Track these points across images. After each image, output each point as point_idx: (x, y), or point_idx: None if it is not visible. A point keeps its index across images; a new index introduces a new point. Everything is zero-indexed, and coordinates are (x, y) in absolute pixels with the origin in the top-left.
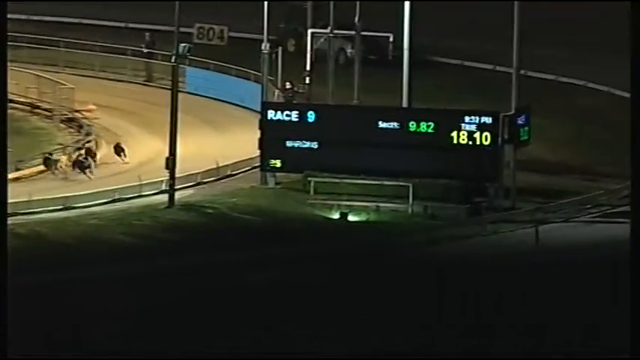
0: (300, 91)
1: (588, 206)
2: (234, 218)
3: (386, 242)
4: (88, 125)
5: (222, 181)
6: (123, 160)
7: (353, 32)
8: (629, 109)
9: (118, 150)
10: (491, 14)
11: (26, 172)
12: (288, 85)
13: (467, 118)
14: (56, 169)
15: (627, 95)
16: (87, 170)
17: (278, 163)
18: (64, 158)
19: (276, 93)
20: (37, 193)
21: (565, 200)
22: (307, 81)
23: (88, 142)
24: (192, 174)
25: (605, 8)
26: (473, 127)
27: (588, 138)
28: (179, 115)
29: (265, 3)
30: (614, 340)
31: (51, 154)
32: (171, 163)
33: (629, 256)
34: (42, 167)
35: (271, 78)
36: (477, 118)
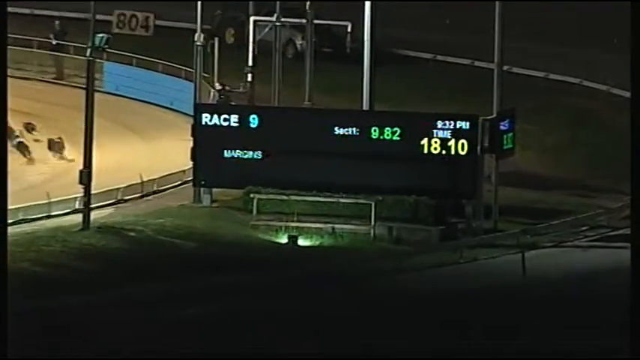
0: (241, 90)
1: (584, 228)
2: (162, 243)
3: (342, 271)
4: None
5: (148, 198)
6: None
7: (304, 20)
8: (630, 111)
9: (29, 128)
10: (469, 1)
11: None
12: (218, 86)
13: (440, 123)
14: (29, 153)
15: (629, 95)
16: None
17: (214, 177)
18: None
19: (211, 93)
20: None
21: (557, 221)
22: (249, 78)
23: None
24: (111, 190)
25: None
26: (447, 134)
27: (584, 146)
28: (96, 119)
29: None
30: None
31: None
32: (86, 177)
33: (630, 254)
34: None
35: (206, 75)
36: (452, 122)
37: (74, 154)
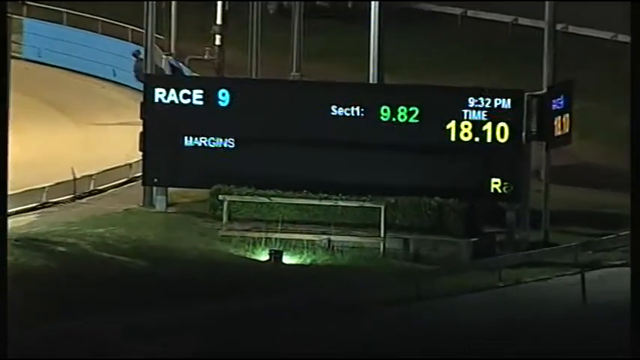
0: (206, 57)
1: None
2: (101, 261)
3: (341, 299)
4: None
5: (82, 200)
6: None
7: None
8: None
9: None
10: None
11: None
12: (164, 56)
13: (472, 101)
14: None
15: None
16: None
17: (171, 173)
18: None
19: (163, 60)
20: None
21: (628, 231)
22: (217, 41)
23: None
24: (33, 190)
25: None
26: (481, 115)
27: None
28: (12, 95)
29: None
30: None
31: None
32: None
33: (630, 255)
34: None
35: (160, 36)
36: (489, 100)
37: None
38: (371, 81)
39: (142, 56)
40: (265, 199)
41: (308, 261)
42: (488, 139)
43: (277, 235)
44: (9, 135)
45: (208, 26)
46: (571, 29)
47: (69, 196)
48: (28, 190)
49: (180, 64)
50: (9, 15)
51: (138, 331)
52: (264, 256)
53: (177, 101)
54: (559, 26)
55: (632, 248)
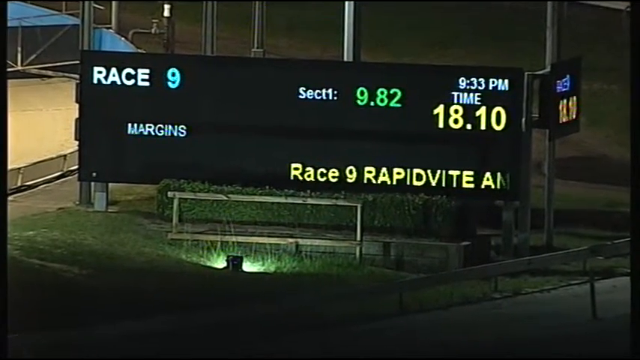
0: (153, 31)
1: None
2: (32, 269)
3: (309, 312)
4: None
5: (9, 198)
6: None
7: None
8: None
9: None
10: None
11: None
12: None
13: (463, 82)
14: None
15: None
16: None
17: (112, 166)
18: None
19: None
20: None
21: None
22: (166, 12)
23: None
24: None
25: None
26: (474, 99)
27: None
28: None
29: None
30: None
31: None
32: None
33: (630, 254)
34: None
35: (99, 7)
36: (482, 80)
37: None
38: (345, 59)
39: None
40: (222, 197)
41: (272, 268)
42: (482, 126)
43: (236, 239)
44: None
45: None
46: None
47: None
48: None
49: (123, 39)
50: None
51: (77, 349)
52: (220, 262)
53: (119, 82)
54: None
55: (632, 248)
